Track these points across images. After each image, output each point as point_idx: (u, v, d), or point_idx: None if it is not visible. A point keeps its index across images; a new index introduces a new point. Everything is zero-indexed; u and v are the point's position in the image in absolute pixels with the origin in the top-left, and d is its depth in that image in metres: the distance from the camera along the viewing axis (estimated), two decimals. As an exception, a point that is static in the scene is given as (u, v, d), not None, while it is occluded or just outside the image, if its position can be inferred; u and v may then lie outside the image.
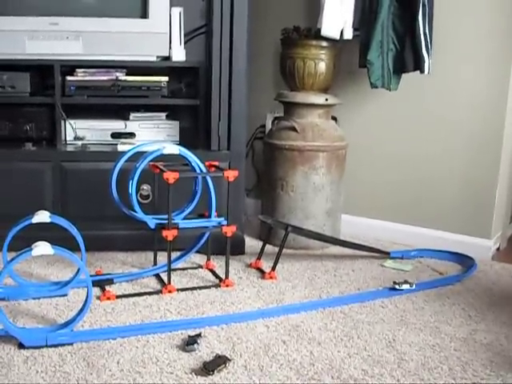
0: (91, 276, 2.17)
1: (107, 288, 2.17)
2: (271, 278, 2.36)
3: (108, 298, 2.09)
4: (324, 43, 2.72)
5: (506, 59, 2.60)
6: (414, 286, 2.25)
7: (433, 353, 1.79)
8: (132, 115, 2.70)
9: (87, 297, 1.80)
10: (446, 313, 2.09)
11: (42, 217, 1.93)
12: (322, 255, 2.70)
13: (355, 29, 2.71)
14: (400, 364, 1.72)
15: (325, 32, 2.63)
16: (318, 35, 2.67)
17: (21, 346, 1.71)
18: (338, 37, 2.67)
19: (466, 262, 2.59)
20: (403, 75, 2.71)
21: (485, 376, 1.67)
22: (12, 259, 1.72)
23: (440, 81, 2.73)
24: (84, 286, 1.91)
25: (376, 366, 1.70)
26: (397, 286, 2.24)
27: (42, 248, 1.72)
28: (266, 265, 2.47)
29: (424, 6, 2.55)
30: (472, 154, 2.71)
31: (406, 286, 2.25)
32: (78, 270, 1.95)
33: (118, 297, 2.11)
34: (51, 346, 1.73)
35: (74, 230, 2.00)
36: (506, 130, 2.66)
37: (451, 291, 2.30)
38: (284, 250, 2.45)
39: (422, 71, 2.61)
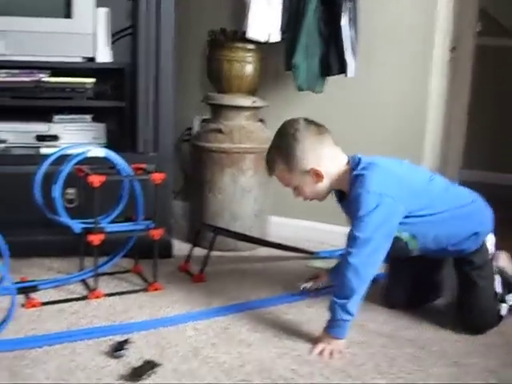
0: (15, 283, 2.12)
1: (32, 295, 2.12)
2: (200, 280, 2.36)
3: (33, 306, 2.04)
4: (250, 46, 2.73)
5: (426, 59, 2.70)
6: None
7: (360, 350, 1.83)
8: (56, 117, 2.63)
9: (11, 304, 1.75)
10: (372, 310, 2.13)
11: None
12: (249, 257, 2.71)
13: (282, 32, 2.74)
14: (328, 362, 1.75)
15: (251, 35, 2.65)
16: (244, 38, 2.68)
17: None
18: (264, 39, 2.69)
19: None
20: (329, 78, 2.75)
21: (411, 371, 1.72)
22: None
23: (364, 83, 2.78)
24: (7, 293, 1.85)
25: (305, 365, 1.73)
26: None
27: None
28: (194, 268, 2.46)
29: (349, 10, 2.60)
30: (395, 152, 2.78)
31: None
32: (2, 278, 1.89)
33: (43, 304, 2.07)
34: (-27, 357, 1.68)
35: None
36: (428, 126, 2.76)
37: (376, 288, 2.34)
38: (212, 253, 2.45)
39: (347, 74, 2.66)
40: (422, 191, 1.94)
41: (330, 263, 2.60)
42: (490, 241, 2.04)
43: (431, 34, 2.68)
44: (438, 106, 2.84)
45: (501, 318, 2.02)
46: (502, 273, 2.07)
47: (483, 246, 2.00)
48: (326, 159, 1.93)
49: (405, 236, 1.94)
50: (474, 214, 1.99)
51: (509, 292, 2.05)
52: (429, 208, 1.92)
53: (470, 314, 1.99)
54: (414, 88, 2.73)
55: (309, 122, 1.98)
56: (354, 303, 1.80)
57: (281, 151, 1.96)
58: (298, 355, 1.78)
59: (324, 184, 1.96)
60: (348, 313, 1.80)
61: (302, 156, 1.91)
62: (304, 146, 1.91)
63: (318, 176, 1.93)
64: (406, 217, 1.88)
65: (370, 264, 1.82)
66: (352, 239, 1.83)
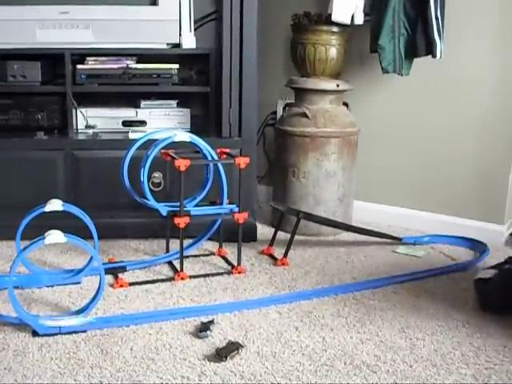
0: (104, 264, 2.19)
1: (120, 275, 2.18)
2: (283, 264, 2.36)
3: (121, 286, 2.10)
4: (335, 29, 2.70)
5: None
6: None
7: (445, 338, 1.79)
8: (143, 103, 2.70)
9: (100, 284, 1.81)
10: (459, 299, 2.08)
11: (55, 205, 1.94)
12: (333, 241, 2.70)
13: (366, 14, 2.69)
14: (412, 350, 1.72)
15: (335, 17, 2.61)
16: (328, 21, 2.65)
17: (35, 333, 1.73)
18: (348, 22, 2.65)
19: (478, 247, 2.58)
20: (415, 60, 2.69)
21: (498, 362, 1.66)
22: (25, 248, 1.73)
23: (452, 65, 2.70)
24: (97, 273, 1.92)
25: (388, 351, 1.71)
26: None
27: (55, 236, 1.73)
28: (277, 251, 2.47)
29: (436, -11, 2.53)
30: (485, 138, 2.70)
31: None
32: (91, 258, 1.96)
33: (130, 284, 2.12)
34: (65, 334, 1.74)
35: (86, 219, 2.01)
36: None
37: (464, 277, 2.29)
38: (296, 237, 2.45)
39: (434, 56, 2.59)
40: None
41: (416, 249, 2.56)
42: None
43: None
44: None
45: None
46: None
47: None
48: None
49: None
50: None
51: None
52: None
53: None
54: (506, 69, 2.62)
55: None
56: None
57: None
58: (381, 341, 1.76)
59: None
60: None
61: None
62: None
63: None
64: None
65: None
66: None
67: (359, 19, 2.67)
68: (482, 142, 2.71)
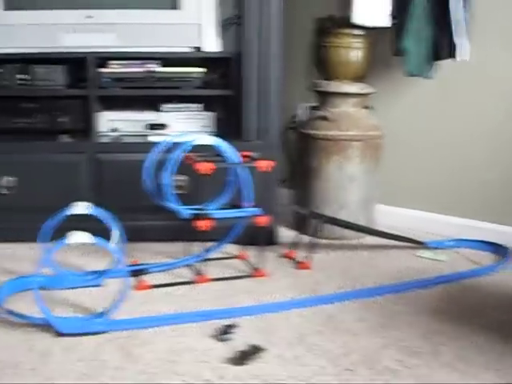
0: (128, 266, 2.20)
1: (142, 278, 2.19)
2: (305, 267, 2.36)
3: (143, 288, 2.11)
4: (358, 31, 2.69)
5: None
6: None
7: (468, 344, 1.77)
8: (166, 106, 2.71)
9: (124, 287, 1.82)
10: (482, 303, 2.06)
11: (81, 208, 1.95)
12: (356, 245, 2.69)
13: (393, 16, 2.67)
14: (436, 355, 1.70)
15: (356, 19, 2.60)
16: (351, 23, 2.64)
17: (58, 334, 1.74)
18: (370, 24, 2.63)
19: (501, 251, 2.55)
20: (440, 62, 2.67)
21: (522, 367, 1.65)
22: (52, 248, 1.74)
23: (478, 68, 2.68)
24: (119, 276, 1.92)
25: (412, 356, 1.69)
26: None
27: (82, 236, 1.74)
28: (299, 255, 2.47)
29: (460, -9, 2.51)
30: (509, 140, 2.67)
31: None
32: (114, 261, 1.97)
33: (152, 286, 2.13)
34: (88, 335, 1.75)
35: (112, 222, 2.01)
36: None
37: (487, 281, 2.27)
38: (318, 240, 2.44)
39: (460, 58, 2.57)
40: None
41: (439, 254, 2.54)
42: None
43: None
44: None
45: None
46: None
47: None
48: None
49: None
50: None
51: None
52: None
53: None
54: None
55: None
56: None
57: None
58: (405, 346, 1.75)
59: None
60: None
61: None
62: None
63: None
64: None
65: None
66: None
67: (383, 22, 2.66)
68: (507, 145, 2.68)
